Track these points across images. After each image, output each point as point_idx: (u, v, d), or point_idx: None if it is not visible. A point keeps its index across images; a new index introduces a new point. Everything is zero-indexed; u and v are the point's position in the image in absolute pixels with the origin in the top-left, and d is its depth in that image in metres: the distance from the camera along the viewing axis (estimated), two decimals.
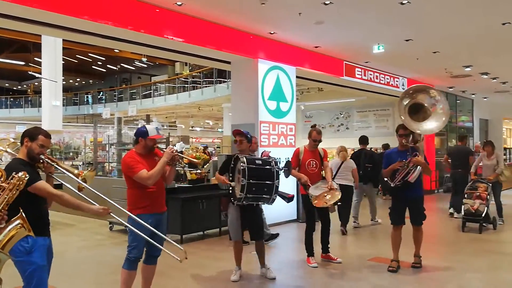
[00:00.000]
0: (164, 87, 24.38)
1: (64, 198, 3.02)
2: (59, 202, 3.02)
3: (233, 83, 9.25)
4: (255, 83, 8.39)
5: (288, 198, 4.89)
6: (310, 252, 5.65)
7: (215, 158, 14.11)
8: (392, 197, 5.54)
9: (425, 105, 5.18)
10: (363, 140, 8.83)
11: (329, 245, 5.81)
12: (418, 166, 5.09)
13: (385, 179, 5.33)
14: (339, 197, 5.28)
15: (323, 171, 5.63)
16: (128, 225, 3.59)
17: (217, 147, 25.57)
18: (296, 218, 8.97)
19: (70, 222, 8.98)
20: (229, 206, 4.87)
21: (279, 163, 4.75)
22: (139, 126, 10.76)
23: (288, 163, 5.03)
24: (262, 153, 5.00)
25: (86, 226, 8.57)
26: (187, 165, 8.97)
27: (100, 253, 6.52)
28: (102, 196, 3.30)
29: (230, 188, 4.70)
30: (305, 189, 5.44)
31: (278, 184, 4.57)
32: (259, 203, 4.77)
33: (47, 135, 3.13)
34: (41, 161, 3.10)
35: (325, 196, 5.27)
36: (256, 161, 4.57)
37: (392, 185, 5.21)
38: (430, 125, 5.12)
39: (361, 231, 8.21)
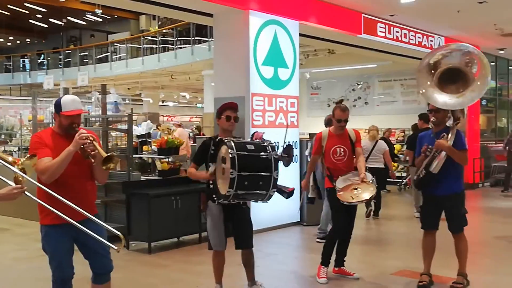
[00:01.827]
0: (126, 48, 24.13)
1: None
2: None
3: (216, 43, 9.16)
4: (245, 42, 8.33)
5: (287, 193, 4.87)
6: (325, 260, 5.69)
7: (192, 143, 14.11)
8: (422, 194, 5.61)
9: (461, 68, 5.18)
10: (425, 118, 9.19)
11: (345, 258, 5.88)
12: (443, 152, 5.08)
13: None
14: (374, 193, 5.29)
15: (355, 160, 5.62)
16: None
17: (195, 128, 25.52)
18: (299, 220, 9.02)
19: (2, 225, 8.97)
20: (208, 205, 4.83)
21: (277, 148, 4.68)
22: (92, 99, 10.77)
23: (288, 147, 5.01)
24: (253, 135, 4.95)
25: (24, 231, 8.55)
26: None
27: (41, 266, 6.44)
28: (46, 189, 3.26)
29: (210, 182, 4.65)
30: (331, 181, 5.49)
31: (277, 175, 4.49)
32: (252, 200, 4.74)
33: None
34: None
35: (355, 189, 5.29)
36: (248, 146, 4.48)
37: (414, 177, 5.27)
38: (468, 95, 5.13)
39: (384, 236, 8.29)
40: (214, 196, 4.63)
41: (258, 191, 4.46)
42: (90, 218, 3.52)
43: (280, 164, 4.74)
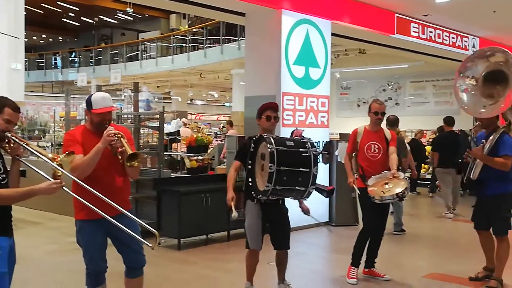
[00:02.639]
0: (156, 47, 24.43)
1: (2, 196, 3.05)
2: None
3: (247, 42, 9.20)
4: (277, 42, 8.35)
5: (327, 192, 4.88)
6: (356, 261, 5.69)
7: (220, 141, 14.18)
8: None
9: (502, 70, 5.18)
10: (449, 121, 10.34)
11: (376, 259, 5.86)
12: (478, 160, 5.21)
13: None
14: (405, 187, 5.25)
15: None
16: None
17: (223, 127, 25.65)
18: (328, 220, 9.00)
19: (35, 219, 9.16)
20: (246, 204, 4.85)
21: (317, 145, 4.71)
22: (123, 97, 10.92)
23: (328, 144, 5.05)
24: (293, 132, 5.02)
25: (56, 225, 8.73)
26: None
27: (74, 259, 6.55)
28: (83, 184, 3.36)
29: (249, 179, 4.66)
30: (363, 181, 5.50)
31: (317, 172, 4.49)
32: (291, 197, 4.72)
33: (16, 108, 3.19)
34: (7, 140, 3.16)
35: (386, 184, 5.28)
36: (287, 142, 4.52)
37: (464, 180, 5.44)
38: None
39: (413, 238, 8.22)
40: (253, 193, 4.62)
41: (297, 187, 4.45)
42: (124, 213, 3.60)
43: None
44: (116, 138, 3.70)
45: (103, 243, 3.87)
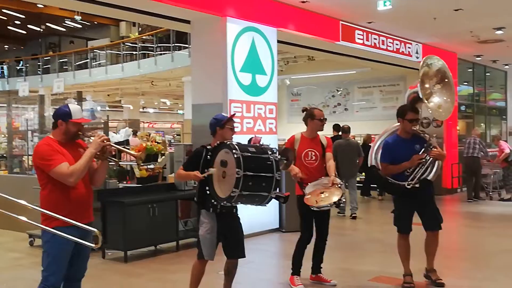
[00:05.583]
0: (105, 54, 23.97)
1: None
2: None
3: (193, 50, 9.15)
4: (223, 49, 8.32)
5: (284, 198, 4.87)
6: (296, 269, 5.70)
7: (172, 150, 14.00)
8: (397, 199, 5.70)
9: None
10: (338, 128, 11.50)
11: (322, 264, 5.87)
12: (437, 161, 5.33)
13: (389, 178, 5.53)
14: (339, 196, 5.27)
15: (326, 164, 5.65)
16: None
17: (176, 135, 25.40)
18: (278, 227, 9.00)
19: None
20: (201, 214, 4.77)
21: (275, 151, 4.72)
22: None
23: (286, 150, 5.06)
24: (250, 140, 5.04)
25: None
26: (140, 161, 8.85)
27: (15, 276, 6.41)
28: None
29: (207, 188, 4.59)
30: (301, 188, 5.48)
31: (279, 177, 4.54)
32: (253, 204, 4.68)
33: None
34: None
35: (321, 193, 5.31)
36: (249, 148, 4.55)
37: (407, 185, 5.36)
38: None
39: (361, 242, 8.30)
40: (213, 201, 4.57)
41: (261, 193, 4.49)
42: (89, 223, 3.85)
43: None
44: (109, 143, 3.89)
45: (70, 252, 3.84)
